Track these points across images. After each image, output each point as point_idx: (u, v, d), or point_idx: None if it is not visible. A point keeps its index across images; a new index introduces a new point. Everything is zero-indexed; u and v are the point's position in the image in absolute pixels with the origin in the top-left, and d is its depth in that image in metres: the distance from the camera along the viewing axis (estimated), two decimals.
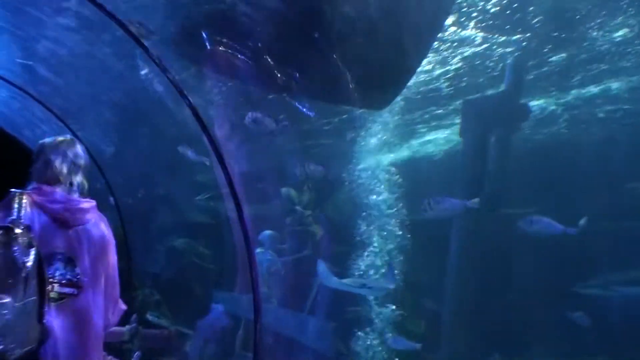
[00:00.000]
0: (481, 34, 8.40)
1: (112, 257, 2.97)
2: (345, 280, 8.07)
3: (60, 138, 2.99)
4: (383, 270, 9.13)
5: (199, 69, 7.47)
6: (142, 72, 7.01)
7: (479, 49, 8.72)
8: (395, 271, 8.30)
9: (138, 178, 9.53)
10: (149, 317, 8.68)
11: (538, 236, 7.49)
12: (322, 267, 7.86)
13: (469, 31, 8.33)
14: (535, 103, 9.74)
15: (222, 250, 8.43)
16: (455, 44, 8.60)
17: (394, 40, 6.20)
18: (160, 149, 9.51)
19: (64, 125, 7.51)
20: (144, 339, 6.65)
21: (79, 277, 2.74)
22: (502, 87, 9.13)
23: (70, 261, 2.73)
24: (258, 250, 7.91)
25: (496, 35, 8.40)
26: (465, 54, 8.85)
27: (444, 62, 9.03)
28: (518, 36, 8.38)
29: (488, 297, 8.75)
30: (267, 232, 8.06)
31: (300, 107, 7.86)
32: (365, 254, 9.28)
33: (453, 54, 8.88)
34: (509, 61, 8.95)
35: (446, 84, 9.57)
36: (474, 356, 8.75)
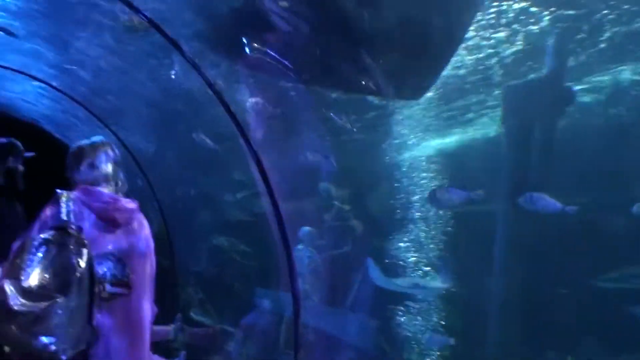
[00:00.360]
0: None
1: (153, 255, 3.08)
2: (396, 280, 8.11)
3: (97, 140, 3.12)
4: (429, 268, 9.14)
5: (234, 66, 7.68)
6: (178, 72, 7.26)
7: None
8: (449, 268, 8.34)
9: (177, 177, 9.83)
10: (193, 315, 8.95)
11: (537, 214, 7.36)
12: (371, 265, 7.90)
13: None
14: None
15: (263, 248, 8.59)
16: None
17: (427, 27, 6.25)
18: (197, 147, 9.79)
19: (104, 126, 7.87)
20: (189, 337, 6.94)
21: (128, 276, 2.83)
22: (544, 71, 8.92)
23: (119, 261, 2.83)
24: (298, 247, 8.08)
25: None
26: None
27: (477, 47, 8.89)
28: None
29: (538, 291, 8.63)
30: (306, 228, 8.13)
31: (337, 118, 7.99)
32: (410, 248, 9.32)
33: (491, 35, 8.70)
34: (550, 41, 8.69)
35: (484, 69, 9.42)
36: (526, 353, 8.65)
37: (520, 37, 8.59)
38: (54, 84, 7.30)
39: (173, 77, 7.51)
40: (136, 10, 4.68)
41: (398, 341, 8.52)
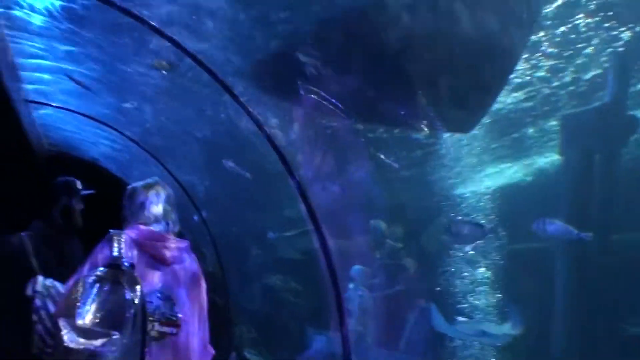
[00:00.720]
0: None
1: (204, 298, 3.10)
2: (461, 326, 7.90)
3: (151, 180, 3.21)
4: (493, 312, 8.86)
5: (283, 105, 7.91)
6: (228, 111, 7.52)
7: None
8: (519, 314, 7.87)
9: (230, 214, 10.06)
10: (247, 354, 9.00)
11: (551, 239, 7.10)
12: (434, 311, 7.75)
13: None
14: None
15: (314, 287, 8.64)
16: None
17: (475, 62, 6.32)
18: (249, 185, 10.03)
19: (159, 164, 8.21)
20: None
21: (177, 315, 2.84)
22: (606, 98, 8.76)
23: (168, 299, 2.86)
24: (350, 286, 8.07)
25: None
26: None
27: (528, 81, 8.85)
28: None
29: (602, 331, 8.29)
30: (357, 267, 8.10)
31: (385, 158, 8.04)
32: (469, 289, 9.13)
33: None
34: (610, 64, 8.55)
35: (537, 101, 9.38)
36: None
37: (577, 62, 8.50)
38: (110, 123, 7.66)
39: (223, 116, 7.78)
40: (187, 53, 4.94)
41: None
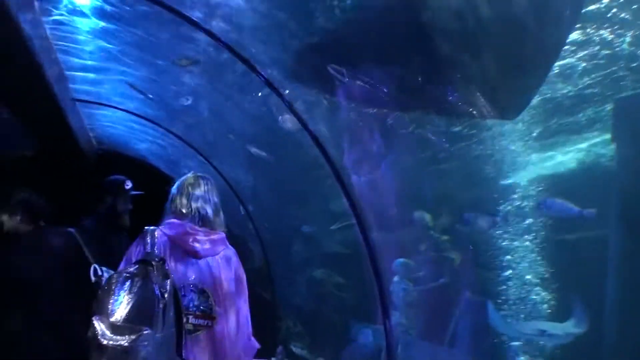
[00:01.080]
0: None
1: (243, 291, 3.15)
2: (519, 326, 7.71)
3: (189, 175, 3.32)
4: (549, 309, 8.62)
5: (323, 97, 7.93)
6: (270, 104, 7.61)
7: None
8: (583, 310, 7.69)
9: (275, 209, 10.19)
10: (293, 348, 9.13)
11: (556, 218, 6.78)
12: (492, 310, 7.62)
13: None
14: None
15: (359, 280, 8.68)
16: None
17: (521, 42, 6.16)
18: (293, 179, 10.12)
19: (205, 161, 8.40)
20: None
21: (212, 308, 2.94)
22: None
23: (203, 292, 2.95)
24: (394, 279, 8.07)
25: None
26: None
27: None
28: None
29: None
30: (401, 259, 8.09)
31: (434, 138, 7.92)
32: (519, 283, 8.96)
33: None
34: None
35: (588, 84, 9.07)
36: None
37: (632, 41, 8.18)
38: (157, 120, 7.86)
39: (264, 110, 7.87)
40: (234, 53, 5.03)
41: None
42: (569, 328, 7.50)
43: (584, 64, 8.61)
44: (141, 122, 7.90)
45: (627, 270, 8.15)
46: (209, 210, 3.18)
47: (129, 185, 4.55)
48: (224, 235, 3.17)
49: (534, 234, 9.01)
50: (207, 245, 3.04)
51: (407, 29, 5.96)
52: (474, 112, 7.50)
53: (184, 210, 3.13)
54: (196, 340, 2.93)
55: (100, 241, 4.04)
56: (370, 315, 8.27)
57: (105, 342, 2.46)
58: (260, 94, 7.44)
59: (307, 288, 10.45)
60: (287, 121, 7.77)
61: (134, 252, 2.94)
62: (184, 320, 2.82)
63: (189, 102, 7.57)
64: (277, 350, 7.12)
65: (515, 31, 5.99)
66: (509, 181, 9.90)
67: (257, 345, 3.24)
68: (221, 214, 3.27)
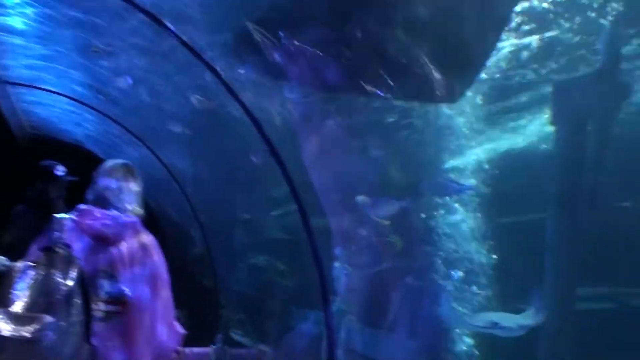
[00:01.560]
0: None
1: (161, 277, 3.12)
2: (470, 318, 7.70)
3: (106, 162, 3.32)
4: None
5: (262, 79, 7.89)
6: (207, 87, 7.51)
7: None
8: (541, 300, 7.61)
9: (216, 195, 10.11)
10: (233, 335, 9.15)
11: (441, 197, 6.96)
12: (443, 300, 7.62)
13: None
14: None
15: (300, 267, 8.75)
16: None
17: (460, 25, 6.25)
18: (234, 165, 10.05)
19: (143, 146, 8.24)
20: (232, 359, 7.16)
21: (123, 294, 2.92)
22: (598, 65, 8.71)
23: (113, 278, 2.92)
24: (335, 264, 8.16)
25: None
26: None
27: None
28: None
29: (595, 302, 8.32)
30: (343, 245, 8.19)
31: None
32: (457, 264, 9.15)
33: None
34: (603, 32, 8.47)
35: (530, 67, 9.29)
36: None
37: (570, 26, 8.43)
38: (94, 105, 7.68)
39: (201, 94, 7.78)
40: (165, 28, 4.93)
41: None
42: (523, 320, 7.43)
43: (525, 47, 8.84)
44: (78, 106, 7.73)
45: (564, 252, 8.47)
46: (124, 196, 3.19)
47: (61, 170, 4.46)
48: (136, 219, 3.15)
49: (472, 217, 9.24)
50: (117, 230, 3.02)
51: (343, 14, 6.01)
52: (415, 95, 7.61)
53: (100, 197, 3.14)
54: (110, 327, 2.90)
55: (31, 227, 3.99)
56: (312, 301, 8.33)
57: (7, 334, 2.43)
58: (199, 77, 7.35)
59: (249, 275, 10.45)
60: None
61: (41, 240, 2.89)
62: (95, 307, 2.80)
63: (128, 86, 7.44)
64: (216, 338, 7.10)
65: (454, 14, 6.10)
66: (450, 165, 10.09)
67: (180, 330, 3.23)
68: (138, 199, 3.27)
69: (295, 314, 8.76)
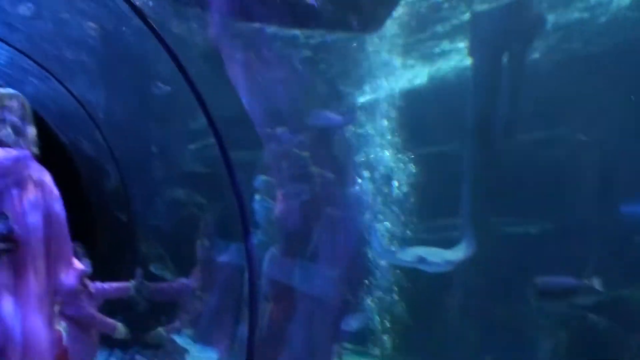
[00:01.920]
0: None
1: (55, 212, 3.02)
2: (398, 253, 7.52)
3: None
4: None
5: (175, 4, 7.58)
6: (118, 13, 7.14)
7: None
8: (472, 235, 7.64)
9: (132, 128, 9.85)
10: (153, 270, 9.17)
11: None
12: (376, 238, 7.53)
13: None
14: None
15: (220, 200, 8.77)
16: None
17: None
18: (149, 96, 9.77)
19: (51, 77, 7.78)
20: (150, 293, 7.19)
21: (13, 231, 2.83)
22: None
23: (2, 215, 2.83)
24: (255, 197, 8.21)
25: None
26: None
27: None
28: None
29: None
30: (262, 177, 8.23)
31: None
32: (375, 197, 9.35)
33: None
34: None
35: None
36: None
37: None
38: None
39: (118, 24, 7.43)
40: None
41: (362, 291, 8.71)
42: (451, 255, 7.40)
43: None
44: None
45: (481, 178, 8.76)
46: (12, 130, 3.03)
47: None
48: (22, 154, 3.00)
49: (388, 149, 9.39)
50: (5, 165, 2.88)
51: None
52: (335, 24, 7.53)
53: None
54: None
55: None
56: (234, 234, 8.39)
57: None
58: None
59: (168, 209, 10.39)
60: None
61: None
62: None
63: (30, 11, 7.00)
64: (135, 272, 7.07)
65: None
66: (368, 99, 10.16)
67: (84, 268, 3.24)
68: (24, 131, 3.09)
69: (216, 247, 8.81)
